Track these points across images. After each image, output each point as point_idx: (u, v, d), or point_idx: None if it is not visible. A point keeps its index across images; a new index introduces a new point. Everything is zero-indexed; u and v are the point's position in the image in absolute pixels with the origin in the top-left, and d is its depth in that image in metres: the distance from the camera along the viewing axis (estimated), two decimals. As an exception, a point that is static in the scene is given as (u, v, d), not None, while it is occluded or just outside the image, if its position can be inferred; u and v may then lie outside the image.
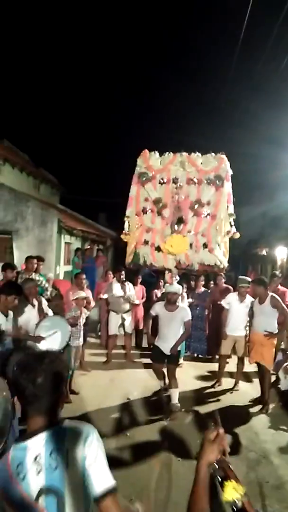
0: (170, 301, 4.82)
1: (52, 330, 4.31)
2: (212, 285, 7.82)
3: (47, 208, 10.72)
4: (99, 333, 7.99)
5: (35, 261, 6.36)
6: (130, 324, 6.86)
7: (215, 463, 1.13)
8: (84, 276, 5.99)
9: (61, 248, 11.01)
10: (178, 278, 5.74)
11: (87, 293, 5.74)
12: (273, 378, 5.41)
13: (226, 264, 5.46)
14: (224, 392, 5.53)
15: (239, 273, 6.03)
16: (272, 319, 5.01)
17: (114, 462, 3.41)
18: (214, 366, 6.22)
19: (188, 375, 6.11)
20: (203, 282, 7.36)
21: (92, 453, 1.28)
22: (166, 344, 4.81)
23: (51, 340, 4.24)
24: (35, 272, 6.31)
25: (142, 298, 7.76)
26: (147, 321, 5.33)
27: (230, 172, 5.44)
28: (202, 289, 7.34)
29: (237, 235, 5.51)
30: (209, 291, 7.42)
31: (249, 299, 5.49)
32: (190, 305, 6.54)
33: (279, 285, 6.63)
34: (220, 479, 1.11)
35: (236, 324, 5.51)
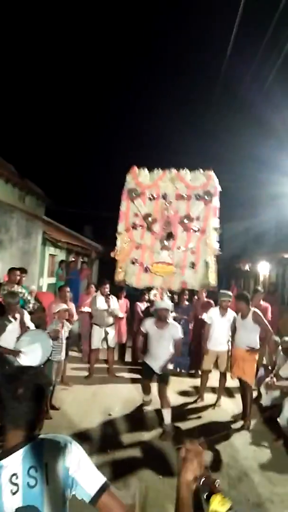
0: (160, 317, 4.75)
1: (33, 344, 4.24)
2: (195, 299, 7.87)
3: (32, 219, 10.64)
4: (81, 347, 7.89)
5: (18, 272, 6.29)
6: (113, 338, 6.81)
7: (200, 481, 1.13)
8: (68, 289, 5.95)
9: (45, 260, 10.91)
10: (168, 294, 5.72)
11: (70, 306, 5.69)
12: (255, 393, 5.44)
13: (213, 282, 5.44)
14: (206, 408, 5.51)
15: (222, 288, 6.08)
16: (254, 335, 5.06)
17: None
18: (197, 381, 6.21)
19: (171, 390, 6.02)
20: (186, 296, 7.40)
21: (74, 460, 1.27)
22: (156, 362, 4.73)
23: (32, 354, 4.17)
24: (18, 284, 6.23)
25: (126, 312, 7.74)
26: (137, 338, 5.25)
27: (219, 188, 5.52)
28: (186, 303, 7.37)
29: (217, 252, 5.53)
30: (192, 305, 7.46)
31: (230, 313, 5.53)
32: (174, 319, 6.54)
33: (262, 301, 6.72)
34: (205, 495, 1.11)
35: (218, 338, 5.53)
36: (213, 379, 5.96)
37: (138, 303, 7.68)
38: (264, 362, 6.29)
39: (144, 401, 5.28)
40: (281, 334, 6.28)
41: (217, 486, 1.12)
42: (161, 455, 4.04)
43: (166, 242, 5.40)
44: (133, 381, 6.49)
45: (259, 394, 5.57)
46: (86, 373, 6.60)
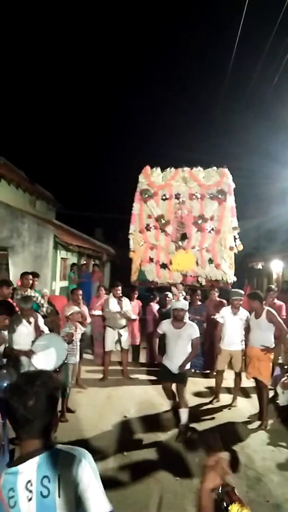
0: (176, 318, 4.71)
1: (48, 348, 4.28)
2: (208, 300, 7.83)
3: (43, 224, 10.75)
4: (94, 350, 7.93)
5: (30, 277, 6.37)
6: (127, 340, 6.82)
7: (219, 489, 1.13)
8: (80, 291, 5.98)
9: (57, 263, 11.00)
10: (184, 294, 5.70)
11: (83, 308, 5.71)
12: (271, 393, 5.38)
13: (233, 278, 5.41)
14: (222, 408, 5.47)
15: (235, 287, 6.04)
16: (269, 334, 5.00)
17: (111, 482, 3.36)
18: (212, 382, 6.16)
19: (186, 391, 6.04)
20: (199, 297, 7.36)
21: (86, 478, 1.25)
22: (173, 362, 4.69)
23: (47, 358, 4.20)
24: (30, 288, 6.30)
25: (139, 314, 7.74)
26: (154, 340, 5.20)
27: (233, 185, 5.45)
28: (199, 303, 7.34)
29: (241, 247, 5.51)
30: (205, 305, 7.42)
31: (242, 311, 5.48)
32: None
33: (275, 299, 6.64)
34: (225, 504, 1.11)
35: (231, 338, 5.49)
36: (229, 379, 5.91)
37: (151, 303, 7.67)
38: (280, 361, 6.22)
39: (172, 407, 5.14)
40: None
41: (236, 494, 1.11)
42: (177, 457, 4.02)
43: (180, 243, 5.38)
44: (148, 382, 6.49)
45: (276, 394, 5.50)
46: (100, 376, 6.62)
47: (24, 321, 4.47)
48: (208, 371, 7.02)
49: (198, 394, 6.03)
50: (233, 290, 5.81)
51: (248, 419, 5.08)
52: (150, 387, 6.27)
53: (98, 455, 3.72)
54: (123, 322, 6.71)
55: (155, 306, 7.58)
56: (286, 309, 6.78)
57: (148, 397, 5.75)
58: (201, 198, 5.41)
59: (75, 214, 18.62)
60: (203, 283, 5.55)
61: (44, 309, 6.48)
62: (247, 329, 5.32)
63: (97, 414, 5.08)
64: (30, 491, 1.20)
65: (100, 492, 1.26)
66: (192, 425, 4.78)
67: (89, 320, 6.07)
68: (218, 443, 1.26)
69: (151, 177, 5.57)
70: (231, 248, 5.41)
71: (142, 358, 7.85)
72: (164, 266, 5.46)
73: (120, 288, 6.73)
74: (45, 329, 4.70)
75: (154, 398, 5.69)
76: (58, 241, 10.60)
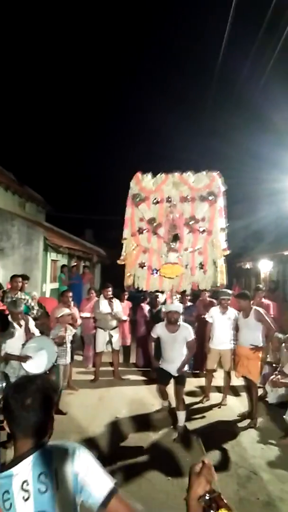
0: (170, 320, 4.69)
1: (39, 351, 4.27)
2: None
3: (33, 226, 10.70)
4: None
5: (20, 279, 6.34)
6: (118, 340, 6.84)
7: (206, 495, 1.14)
8: (70, 293, 5.98)
9: (47, 265, 10.95)
10: (178, 296, 5.71)
11: (73, 310, 5.71)
12: (260, 391, 5.45)
13: (223, 282, 5.44)
14: (212, 407, 5.53)
15: (224, 287, 6.08)
16: (257, 333, 5.07)
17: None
18: (201, 381, 6.23)
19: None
20: (188, 297, 7.40)
21: (83, 465, 1.28)
22: (171, 365, 4.68)
23: (38, 361, 4.20)
24: (20, 291, 6.27)
25: (129, 315, 7.76)
26: (149, 344, 5.20)
27: (223, 188, 5.52)
28: (189, 303, 7.39)
29: (227, 252, 5.56)
30: (195, 305, 7.48)
31: (231, 311, 5.56)
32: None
33: (263, 298, 6.73)
34: (213, 511, 1.11)
35: (220, 337, 5.56)
36: (218, 378, 5.97)
37: (142, 304, 7.69)
38: (269, 359, 6.30)
39: (163, 407, 5.23)
40: (284, 331, 6.29)
41: (223, 499, 1.13)
42: (169, 456, 4.06)
43: (172, 245, 5.40)
44: (139, 383, 6.52)
45: (265, 392, 5.58)
46: (91, 377, 6.63)
47: (14, 324, 4.46)
48: (197, 371, 7.07)
49: (188, 394, 6.06)
50: (221, 290, 5.86)
51: (238, 418, 5.14)
52: (141, 387, 6.30)
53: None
54: (114, 323, 6.73)
55: (145, 307, 7.62)
56: (274, 308, 6.89)
57: (139, 398, 5.77)
58: (192, 200, 5.47)
59: (65, 216, 18.52)
60: (189, 290, 5.57)
61: (35, 312, 6.45)
62: (236, 328, 5.39)
63: (89, 415, 5.08)
64: (27, 491, 1.21)
65: (101, 472, 1.31)
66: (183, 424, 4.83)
67: (79, 321, 6.07)
68: (201, 448, 1.27)
69: (142, 182, 5.61)
70: (224, 250, 5.46)
71: (133, 359, 7.87)
72: (155, 273, 5.46)
73: (110, 289, 6.75)
74: (36, 332, 4.69)
75: (145, 399, 5.72)
76: (48, 243, 10.56)
